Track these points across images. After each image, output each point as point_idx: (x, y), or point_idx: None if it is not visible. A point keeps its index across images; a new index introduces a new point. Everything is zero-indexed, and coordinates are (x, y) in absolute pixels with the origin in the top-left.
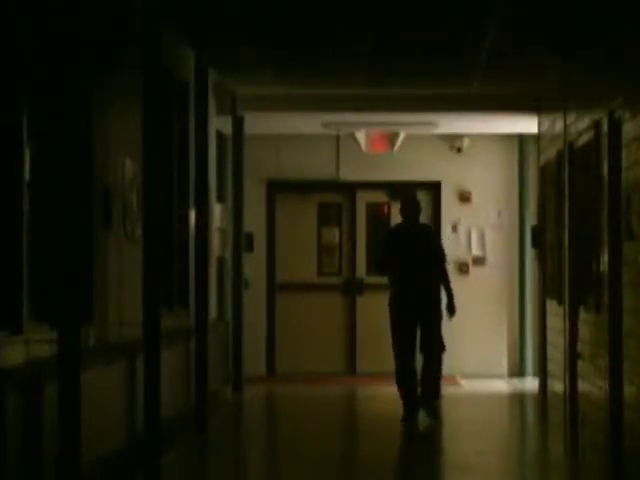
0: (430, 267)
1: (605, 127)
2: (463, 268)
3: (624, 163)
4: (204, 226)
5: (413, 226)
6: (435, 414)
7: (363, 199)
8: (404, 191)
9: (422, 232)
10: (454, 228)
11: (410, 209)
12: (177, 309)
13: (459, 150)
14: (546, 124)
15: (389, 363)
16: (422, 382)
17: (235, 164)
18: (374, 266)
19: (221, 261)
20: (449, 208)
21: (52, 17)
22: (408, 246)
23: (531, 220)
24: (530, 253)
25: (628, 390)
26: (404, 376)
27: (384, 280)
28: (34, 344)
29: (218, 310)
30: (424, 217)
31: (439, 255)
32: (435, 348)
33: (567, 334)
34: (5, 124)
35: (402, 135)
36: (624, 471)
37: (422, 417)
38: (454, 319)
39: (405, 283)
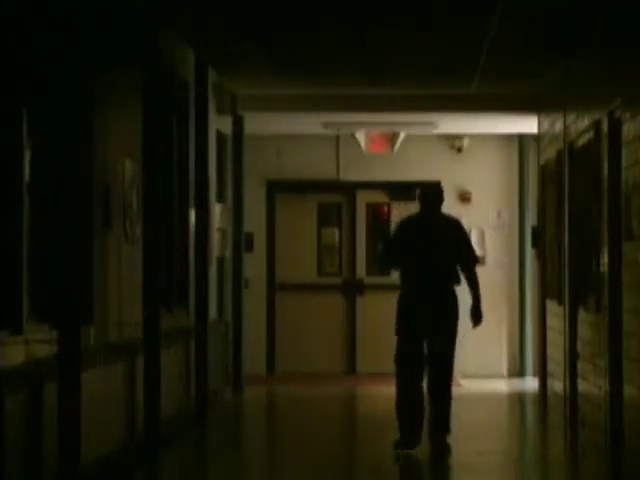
0: (449, 266)
1: (605, 127)
2: None
3: (624, 163)
4: (204, 226)
5: (431, 218)
6: (445, 445)
7: (363, 199)
8: (427, 183)
9: (442, 226)
10: None
11: (427, 197)
12: (177, 309)
13: (459, 150)
14: (546, 124)
15: (389, 363)
16: (432, 409)
17: (235, 164)
18: (378, 259)
19: (221, 261)
20: (449, 208)
21: (52, 17)
22: (421, 241)
23: (531, 220)
24: (530, 253)
25: (628, 390)
26: (406, 397)
27: (384, 280)
28: (34, 344)
29: (218, 310)
30: None
31: (464, 253)
32: (449, 364)
33: (567, 334)
34: (5, 124)
35: (402, 135)
36: (624, 471)
37: (427, 447)
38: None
39: (416, 284)
